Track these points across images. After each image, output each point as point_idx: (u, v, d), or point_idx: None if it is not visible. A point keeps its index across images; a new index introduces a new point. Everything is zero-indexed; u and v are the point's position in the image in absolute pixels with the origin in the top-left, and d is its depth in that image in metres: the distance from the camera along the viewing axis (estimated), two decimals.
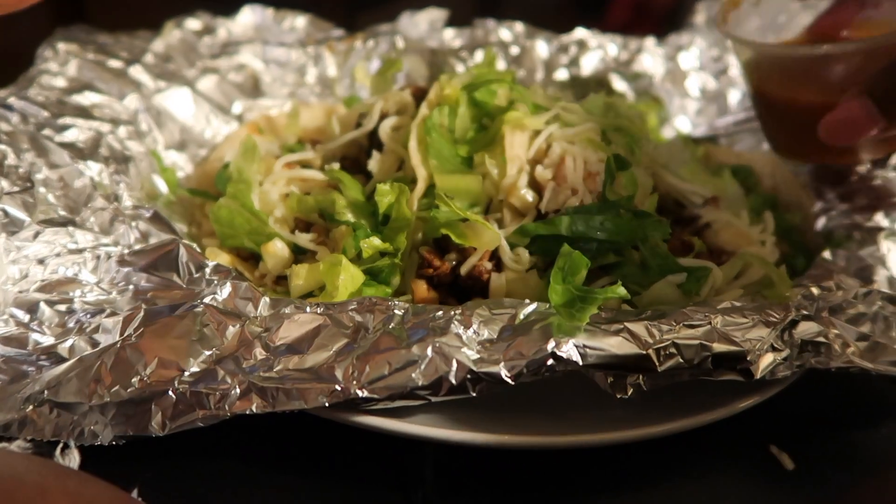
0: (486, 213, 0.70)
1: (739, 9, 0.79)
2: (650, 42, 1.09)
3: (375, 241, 0.67)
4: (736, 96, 1.04)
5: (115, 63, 0.84)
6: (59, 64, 0.80)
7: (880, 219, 0.74)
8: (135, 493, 0.54)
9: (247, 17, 1.04)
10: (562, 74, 1.05)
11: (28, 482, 0.41)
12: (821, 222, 0.78)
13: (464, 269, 0.67)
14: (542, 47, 1.06)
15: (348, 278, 0.64)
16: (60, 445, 0.53)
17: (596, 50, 1.07)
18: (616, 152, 0.69)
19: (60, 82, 0.78)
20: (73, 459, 0.53)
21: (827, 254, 0.70)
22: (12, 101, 0.73)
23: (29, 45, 0.85)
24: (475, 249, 0.67)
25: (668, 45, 1.10)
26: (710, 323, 0.57)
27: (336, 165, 0.76)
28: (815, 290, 0.64)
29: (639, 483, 0.60)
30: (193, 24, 0.99)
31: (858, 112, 0.63)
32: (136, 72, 0.84)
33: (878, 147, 0.72)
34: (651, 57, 1.07)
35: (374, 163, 0.75)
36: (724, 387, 0.60)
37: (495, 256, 0.67)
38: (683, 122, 1.03)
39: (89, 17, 1.14)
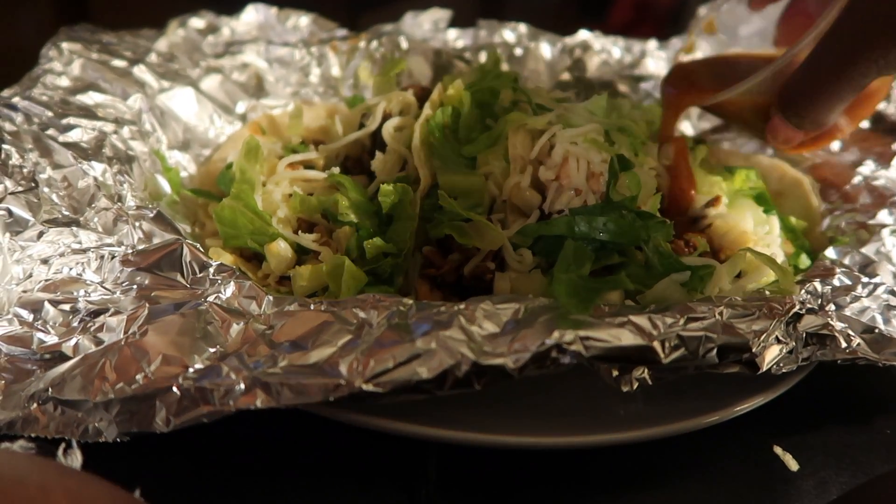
0: (489, 213, 0.70)
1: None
2: (653, 45, 1.09)
3: (378, 242, 0.67)
4: None
5: (118, 63, 0.84)
6: (63, 64, 0.80)
7: (884, 216, 0.74)
8: (137, 494, 0.54)
9: (250, 16, 1.04)
10: (565, 76, 1.05)
11: (29, 482, 0.41)
12: (825, 222, 0.78)
13: (467, 269, 0.67)
14: (545, 49, 1.06)
15: (351, 280, 0.64)
16: (63, 446, 0.53)
17: (599, 52, 1.07)
18: (619, 153, 0.69)
19: (64, 82, 0.78)
20: (76, 459, 0.53)
21: (831, 252, 0.70)
22: (16, 100, 0.73)
23: (33, 44, 0.86)
24: (478, 250, 0.67)
25: (670, 48, 1.10)
26: (714, 315, 0.57)
27: (336, 169, 0.76)
28: (819, 286, 0.64)
29: (641, 484, 0.60)
30: (197, 22, 0.99)
31: (780, 125, 0.70)
32: (140, 71, 0.84)
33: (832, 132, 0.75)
34: (654, 60, 1.07)
35: (377, 163, 0.75)
36: (728, 388, 0.60)
37: (498, 256, 0.67)
38: (686, 124, 1.03)
39: (93, 16, 1.14)
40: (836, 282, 0.65)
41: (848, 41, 0.60)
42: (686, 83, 0.81)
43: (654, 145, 0.77)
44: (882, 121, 0.93)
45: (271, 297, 0.59)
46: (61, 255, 0.62)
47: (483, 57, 1.03)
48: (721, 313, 0.57)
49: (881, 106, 0.94)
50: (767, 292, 0.64)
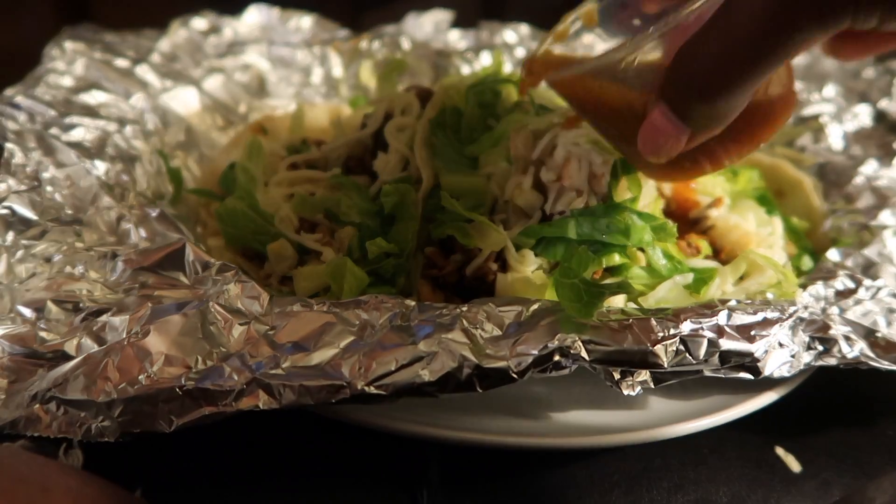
0: (491, 213, 0.70)
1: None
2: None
3: (381, 242, 0.67)
4: None
5: (121, 62, 0.84)
6: (66, 63, 0.81)
7: (886, 217, 0.74)
8: (137, 494, 0.54)
9: (252, 17, 1.04)
10: None
11: (30, 481, 0.41)
12: (827, 223, 0.78)
13: (469, 270, 0.67)
14: None
15: (353, 280, 0.64)
16: (64, 445, 0.53)
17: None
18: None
19: (67, 81, 0.78)
20: (77, 459, 0.53)
21: (833, 253, 0.70)
22: (19, 99, 0.73)
23: (36, 44, 0.86)
24: (480, 250, 0.67)
25: None
26: (717, 319, 0.57)
27: (338, 170, 0.76)
28: (821, 289, 0.64)
29: (644, 484, 0.60)
30: (199, 23, 1.00)
31: (660, 121, 0.51)
32: (143, 71, 0.84)
33: (717, 155, 0.58)
34: None
35: (379, 163, 0.75)
36: (730, 388, 0.60)
37: (500, 257, 0.67)
38: None
39: (95, 16, 1.14)
40: (838, 284, 0.65)
41: None
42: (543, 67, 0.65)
43: None
44: (884, 119, 0.92)
45: (274, 298, 0.59)
46: (64, 253, 0.62)
47: (484, 57, 1.03)
48: (724, 317, 0.57)
49: (883, 104, 0.93)
50: (770, 295, 0.64)
